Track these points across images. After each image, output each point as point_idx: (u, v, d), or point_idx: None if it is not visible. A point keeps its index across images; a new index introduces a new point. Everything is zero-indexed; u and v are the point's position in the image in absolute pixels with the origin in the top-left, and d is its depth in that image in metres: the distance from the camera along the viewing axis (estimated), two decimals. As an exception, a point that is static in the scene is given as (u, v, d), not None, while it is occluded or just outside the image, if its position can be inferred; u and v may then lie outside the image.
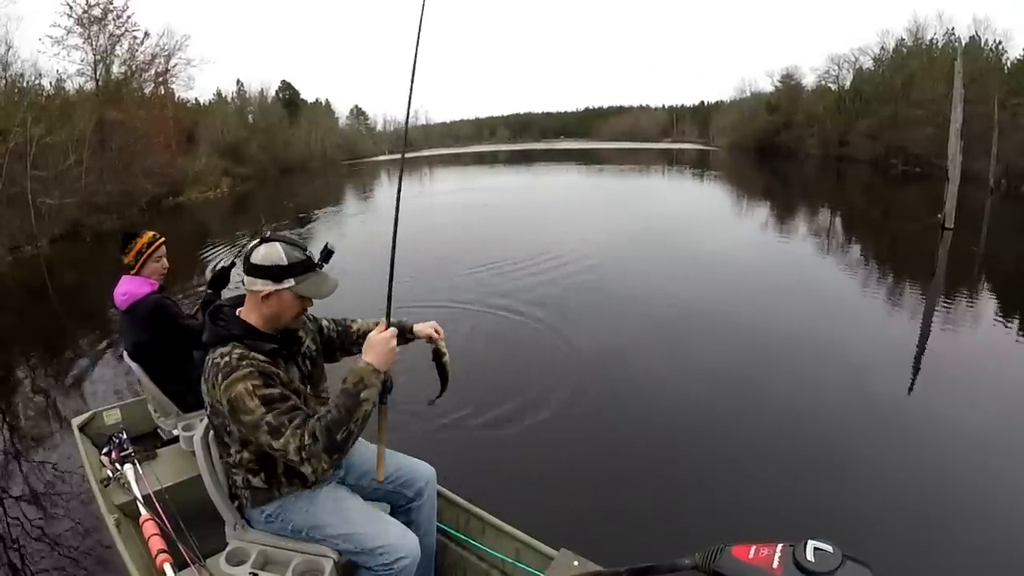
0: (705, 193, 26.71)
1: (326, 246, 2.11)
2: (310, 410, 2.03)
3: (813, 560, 1.10)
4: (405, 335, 2.47)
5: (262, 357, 1.99)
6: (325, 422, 1.89)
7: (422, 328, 2.49)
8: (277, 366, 2.04)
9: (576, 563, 2.12)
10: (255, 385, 1.90)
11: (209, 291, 3.67)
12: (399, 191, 2.26)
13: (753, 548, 1.19)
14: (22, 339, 8.19)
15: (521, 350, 6.95)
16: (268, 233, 2.08)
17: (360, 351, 2.14)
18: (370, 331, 2.24)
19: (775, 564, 1.13)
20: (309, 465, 1.87)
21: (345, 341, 2.50)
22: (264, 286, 2.00)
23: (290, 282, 2.01)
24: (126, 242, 3.53)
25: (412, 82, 2.38)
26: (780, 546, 1.16)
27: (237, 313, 2.11)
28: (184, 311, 3.64)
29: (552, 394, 5.70)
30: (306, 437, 1.86)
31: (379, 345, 2.04)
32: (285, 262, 2.00)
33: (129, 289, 3.45)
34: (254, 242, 2.06)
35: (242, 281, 2.07)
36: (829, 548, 1.12)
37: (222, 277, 3.73)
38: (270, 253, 2.01)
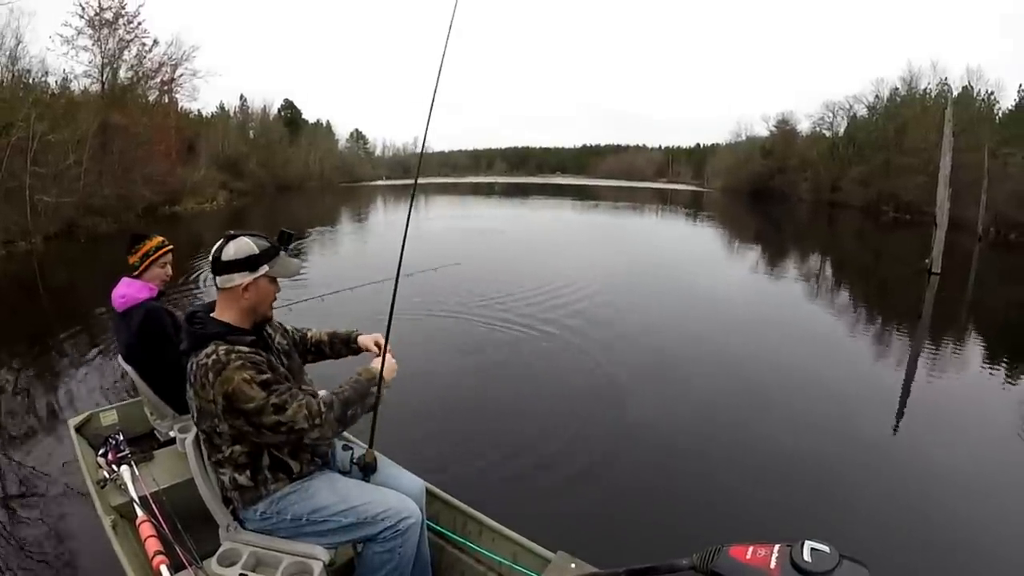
0: (698, 234, 26.82)
1: (283, 231, 2.24)
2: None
3: (810, 560, 1.09)
4: (349, 344, 2.61)
5: (246, 349, 2.07)
6: (342, 397, 2.13)
7: (365, 341, 2.60)
8: (259, 353, 2.12)
9: (573, 565, 2.11)
10: (251, 375, 1.99)
11: None
12: (408, 218, 2.40)
13: (750, 548, 1.18)
14: (15, 337, 8.10)
15: (521, 365, 7.06)
16: (231, 232, 2.18)
17: (314, 360, 2.64)
18: (322, 340, 2.60)
19: (772, 564, 1.12)
20: (318, 430, 2.04)
21: (303, 348, 2.60)
22: (242, 279, 2.12)
23: (265, 268, 2.15)
24: (134, 242, 3.51)
25: (432, 105, 2.50)
26: (777, 546, 1.15)
27: (211, 315, 2.18)
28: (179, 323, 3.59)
29: (552, 405, 5.83)
30: (319, 406, 2.05)
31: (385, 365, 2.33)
32: (257, 251, 2.14)
33: (128, 292, 3.42)
34: (218, 243, 2.15)
35: (215, 283, 2.15)
36: (826, 548, 1.11)
37: None
38: (241, 247, 2.13)
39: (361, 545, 2.29)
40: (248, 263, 2.12)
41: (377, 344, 2.56)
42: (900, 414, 6.18)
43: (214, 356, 2.00)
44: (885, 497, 4.41)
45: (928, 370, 7.69)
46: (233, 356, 2.00)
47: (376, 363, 2.34)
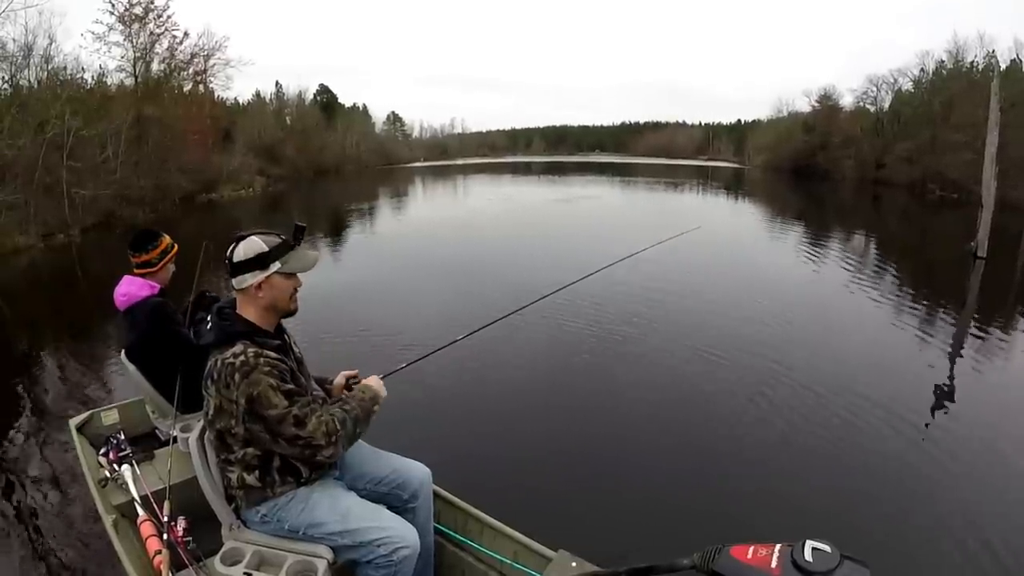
0: (740, 213, 26.50)
1: (296, 225, 2.23)
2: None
3: (811, 560, 1.10)
4: (324, 386, 2.59)
5: (274, 354, 2.08)
6: (352, 416, 2.16)
7: (339, 381, 2.61)
8: (284, 361, 2.13)
9: (574, 564, 2.11)
10: (277, 383, 2.02)
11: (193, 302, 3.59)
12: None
13: (751, 548, 1.19)
14: (34, 331, 8.36)
15: (524, 355, 6.93)
16: (241, 232, 2.18)
17: None
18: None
19: (773, 564, 1.13)
20: (332, 448, 2.08)
21: None
22: (254, 278, 2.13)
23: (276, 265, 2.15)
24: (149, 240, 3.47)
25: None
26: (778, 546, 1.16)
27: (237, 312, 2.19)
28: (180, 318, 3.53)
29: (554, 397, 5.78)
30: (336, 424, 2.08)
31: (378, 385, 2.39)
32: (265, 248, 2.14)
33: (130, 291, 3.41)
34: (231, 245, 2.15)
35: (232, 285, 2.17)
36: (827, 548, 1.12)
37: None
38: (250, 247, 2.13)
39: None
40: (258, 262, 2.12)
41: (347, 378, 2.59)
42: (934, 409, 5.86)
43: (242, 357, 2.01)
44: (910, 499, 4.28)
45: (969, 364, 7.27)
46: (262, 361, 2.02)
47: (372, 381, 2.41)
